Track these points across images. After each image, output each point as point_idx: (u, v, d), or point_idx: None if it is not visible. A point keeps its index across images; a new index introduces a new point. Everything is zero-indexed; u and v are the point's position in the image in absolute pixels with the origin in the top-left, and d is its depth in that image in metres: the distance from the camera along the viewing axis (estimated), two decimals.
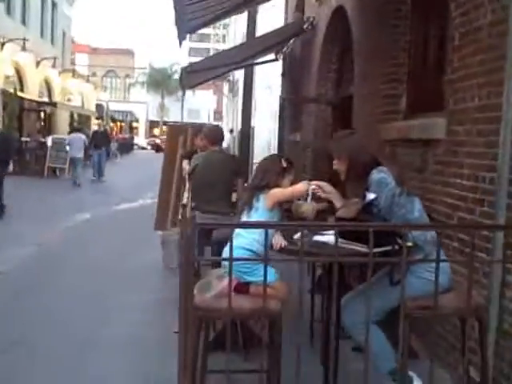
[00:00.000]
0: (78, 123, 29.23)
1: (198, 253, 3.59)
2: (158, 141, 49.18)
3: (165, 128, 63.32)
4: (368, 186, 3.01)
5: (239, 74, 20.02)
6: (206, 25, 6.18)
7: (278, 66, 13.22)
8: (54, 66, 27.31)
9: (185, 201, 6.25)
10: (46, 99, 27.33)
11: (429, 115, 4.77)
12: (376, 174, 3.01)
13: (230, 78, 30.61)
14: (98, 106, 39.45)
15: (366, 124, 6.18)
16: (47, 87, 28.43)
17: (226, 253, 3.05)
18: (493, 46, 3.51)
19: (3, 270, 6.87)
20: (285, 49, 11.49)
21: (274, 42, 10.72)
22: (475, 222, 3.54)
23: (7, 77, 22.02)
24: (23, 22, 25.41)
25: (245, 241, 2.83)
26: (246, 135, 12.45)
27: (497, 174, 3.36)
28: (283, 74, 11.74)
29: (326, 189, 3.19)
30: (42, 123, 27.32)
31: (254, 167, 3.56)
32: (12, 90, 21.74)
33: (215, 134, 5.58)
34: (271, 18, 13.10)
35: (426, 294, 2.87)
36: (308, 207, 3.07)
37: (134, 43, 62.28)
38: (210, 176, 5.28)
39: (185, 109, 63.61)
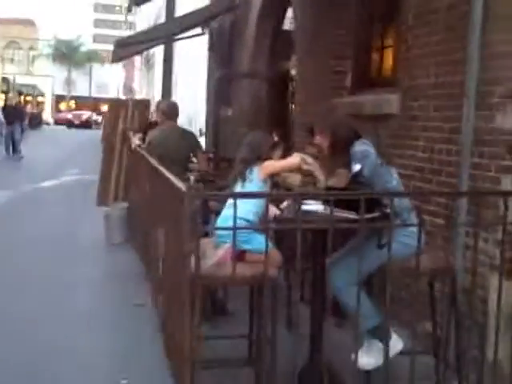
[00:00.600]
0: None
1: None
2: (69, 116, 47.49)
3: (72, 103, 61.62)
4: (351, 157, 3.23)
5: (156, 48, 19.76)
6: None
7: (204, 40, 13.24)
8: None
9: None
10: None
11: (379, 91, 5.05)
12: (359, 146, 3.23)
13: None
14: (4, 80, 37.65)
15: (312, 100, 6.42)
16: None
17: (221, 222, 3.19)
18: (452, 27, 3.81)
19: None
20: (212, 23, 11.52)
21: (202, 17, 10.77)
22: (437, 190, 3.86)
23: None
24: None
25: (240, 211, 2.97)
26: None
27: (458, 147, 3.67)
28: (211, 49, 11.77)
29: (308, 161, 3.39)
30: None
31: None
32: None
33: (172, 110, 5.66)
34: None
35: (403, 257, 3.14)
36: (295, 178, 3.27)
37: (37, 13, 59.47)
38: (167, 151, 5.34)
39: (93, 82, 61.91)
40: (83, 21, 64.12)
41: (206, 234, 3.36)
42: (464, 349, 3.25)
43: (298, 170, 3.38)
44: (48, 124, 47.60)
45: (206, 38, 12.90)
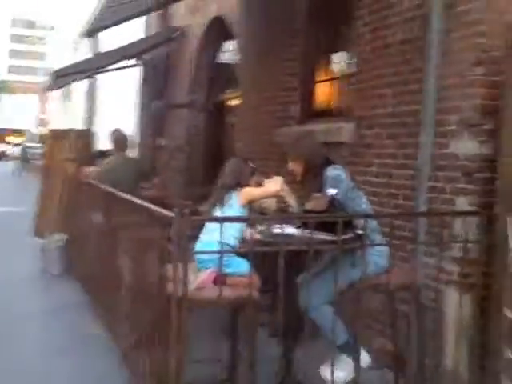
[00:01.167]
0: None
1: None
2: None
3: None
4: (324, 182, 3.37)
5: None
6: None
7: (135, 72, 13.23)
8: None
9: None
10: None
11: (330, 120, 5.25)
12: (332, 171, 3.38)
13: None
14: None
15: (257, 129, 6.56)
16: None
17: (202, 248, 3.23)
18: (407, 61, 4.07)
19: None
20: (144, 56, 11.60)
21: (136, 50, 10.84)
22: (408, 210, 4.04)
23: None
24: None
25: (222, 236, 3.02)
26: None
27: (414, 172, 3.88)
28: (145, 80, 11.80)
29: (283, 187, 3.51)
30: None
31: None
32: None
33: (121, 141, 5.80)
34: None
35: (372, 274, 3.30)
36: (270, 203, 3.37)
37: None
38: (118, 179, 5.35)
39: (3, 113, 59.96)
40: None
41: None
42: (423, 362, 3.42)
43: (274, 195, 3.49)
44: None
45: (135, 70, 12.93)
